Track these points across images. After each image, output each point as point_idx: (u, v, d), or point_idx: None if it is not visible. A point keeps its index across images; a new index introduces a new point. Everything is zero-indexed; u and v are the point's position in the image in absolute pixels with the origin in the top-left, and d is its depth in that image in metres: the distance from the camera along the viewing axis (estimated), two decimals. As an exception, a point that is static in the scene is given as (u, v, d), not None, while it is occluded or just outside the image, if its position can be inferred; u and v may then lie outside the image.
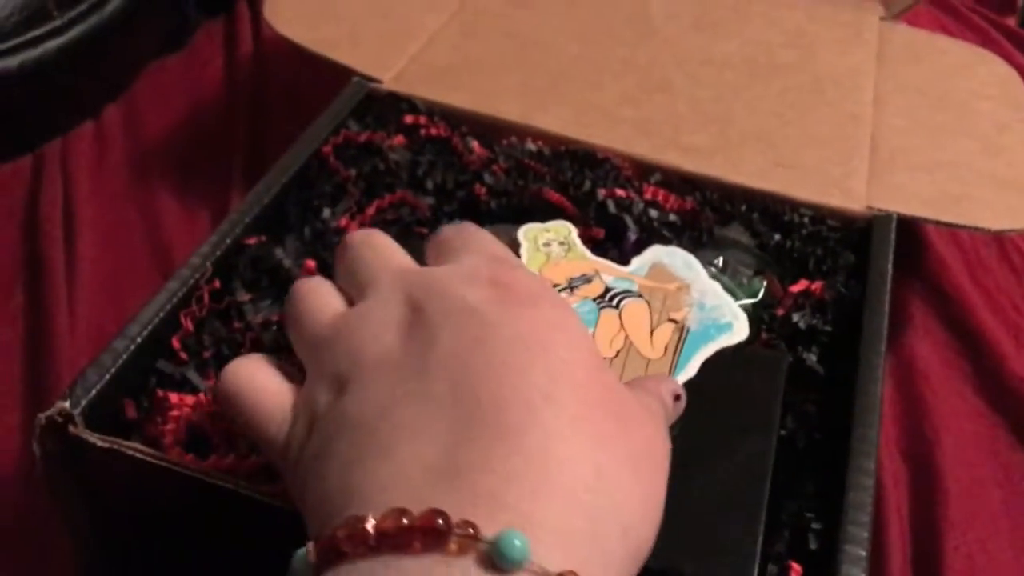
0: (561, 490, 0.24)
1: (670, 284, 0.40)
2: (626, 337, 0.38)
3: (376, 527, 0.22)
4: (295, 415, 0.29)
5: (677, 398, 0.32)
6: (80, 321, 0.51)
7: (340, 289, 0.32)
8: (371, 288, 0.31)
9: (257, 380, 0.30)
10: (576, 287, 0.40)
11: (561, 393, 0.26)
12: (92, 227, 0.56)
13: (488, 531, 0.22)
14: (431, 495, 0.23)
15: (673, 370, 0.37)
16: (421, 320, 0.28)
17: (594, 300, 0.40)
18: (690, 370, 0.37)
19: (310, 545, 0.24)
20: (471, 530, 0.22)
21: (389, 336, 0.28)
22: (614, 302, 0.39)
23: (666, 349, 0.38)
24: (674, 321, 0.39)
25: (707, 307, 0.40)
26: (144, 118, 0.66)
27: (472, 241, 0.33)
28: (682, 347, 0.38)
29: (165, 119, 0.66)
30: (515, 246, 0.41)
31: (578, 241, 0.42)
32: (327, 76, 0.55)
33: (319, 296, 0.32)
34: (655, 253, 0.42)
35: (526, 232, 0.43)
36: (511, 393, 0.25)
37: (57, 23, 0.60)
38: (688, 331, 0.39)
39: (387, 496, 0.23)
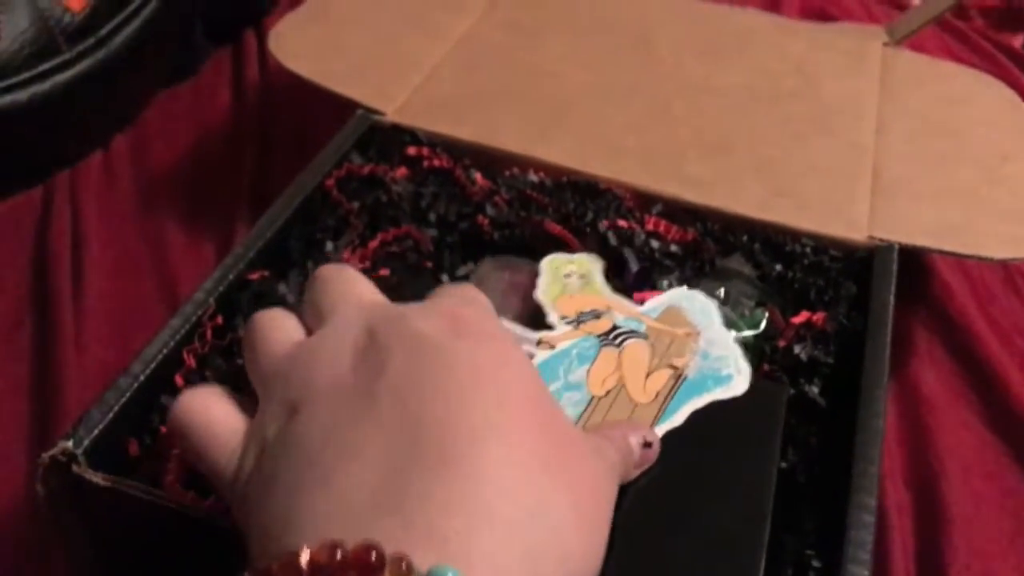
0: (500, 521, 0.24)
1: (679, 329, 0.40)
2: (620, 378, 0.38)
3: (309, 561, 0.22)
4: (245, 444, 0.29)
5: (647, 445, 0.33)
6: (88, 356, 0.51)
7: (302, 322, 0.33)
8: (331, 317, 0.31)
9: (211, 411, 0.31)
10: (583, 321, 0.40)
11: (505, 423, 0.26)
12: (100, 260, 0.57)
13: (422, 565, 0.22)
14: (369, 525, 0.23)
15: (658, 418, 0.37)
16: (374, 346, 0.28)
17: (598, 336, 0.40)
18: (676, 419, 0.37)
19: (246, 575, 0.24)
20: (404, 565, 0.22)
21: (343, 362, 0.28)
22: (616, 341, 0.39)
23: (657, 395, 0.37)
24: (673, 367, 0.39)
25: (711, 356, 0.39)
26: (152, 148, 0.67)
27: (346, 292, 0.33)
28: (674, 395, 0.37)
29: (172, 149, 0.67)
30: (534, 276, 0.43)
31: (599, 277, 0.43)
32: (332, 106, 0.55)
33: (277, 326, 0.32)
34: (674, 296, 0.42)
35: (551, 261, 0.43)
36: (456, 420, 0.25)
37: (66, 56, 0.61)
38: (684, 379, 0.38)
39: (325, 526, 0.24)
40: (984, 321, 0.57)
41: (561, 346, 0.39)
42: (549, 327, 0.40)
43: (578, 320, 0.40)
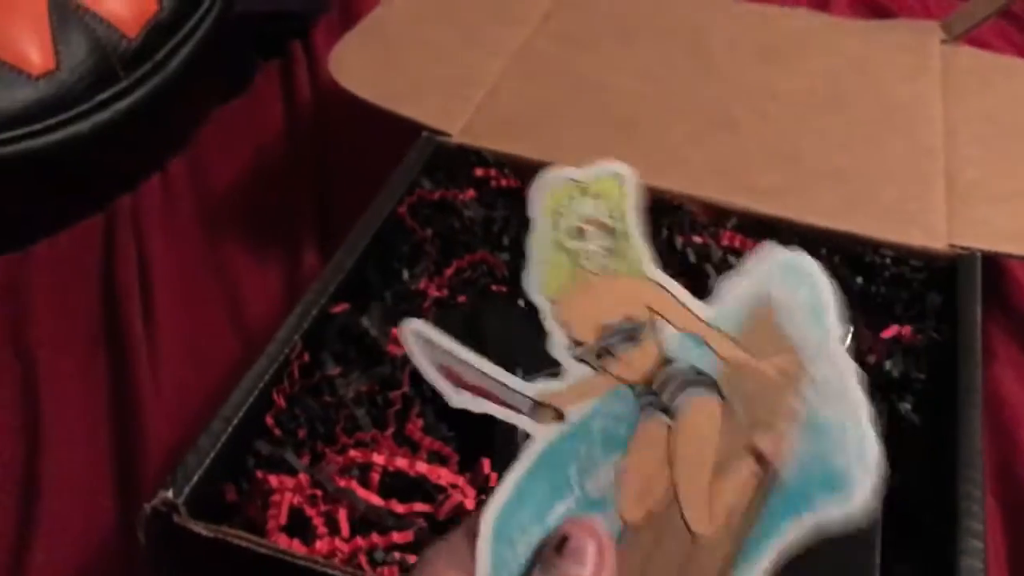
0: None
1: (777, 357, 0.23)
2: (670, 484, 0.22)
3: None
4: None
5: None
6: (164, 388, 0.51)
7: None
8: None
9: None
10: (611, 350, 0.23)
11: None
12: (167, 288, 0.57)
13: None
14: None
15: (734, 562, 0.22)
16: None
17: (635, 389, 0.23)
18: (761, 564, 0.22)
19: None
20: None
21: None
22: (667, 394, 0.23)
23: (729, 519, 0.22)
24: (758, 455, 0.23)
25: (820, 426, 0.22)
26: (210, 170, 0.67)
27: None
28: (761, 517, 0.22)
29: (230, 169, 0.67)
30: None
31: (633, 219, 0.24)
32: (389, 121, 0.55)
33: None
34: (764, 276, 0.24)
35: (547, 193, 0.25)
36: None
37: (124, 84, 0.61)
38: (777, 482, 0.22)
39: None
40: (1061, 323, 0.56)
41: (574, 414, 0.23)
42: (549, 365, 0.24)
43: (605, 347, 0.24)
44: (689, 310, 0.24)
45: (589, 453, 0.23)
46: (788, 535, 0.22)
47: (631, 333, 0.23)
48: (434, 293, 0.45)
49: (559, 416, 0.23)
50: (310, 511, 0.36)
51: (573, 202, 0.24)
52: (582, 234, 0.24)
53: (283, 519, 0.35)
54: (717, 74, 0.60)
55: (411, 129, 0.54)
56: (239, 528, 0.34)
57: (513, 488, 0.23)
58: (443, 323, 0.44)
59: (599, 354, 0.23)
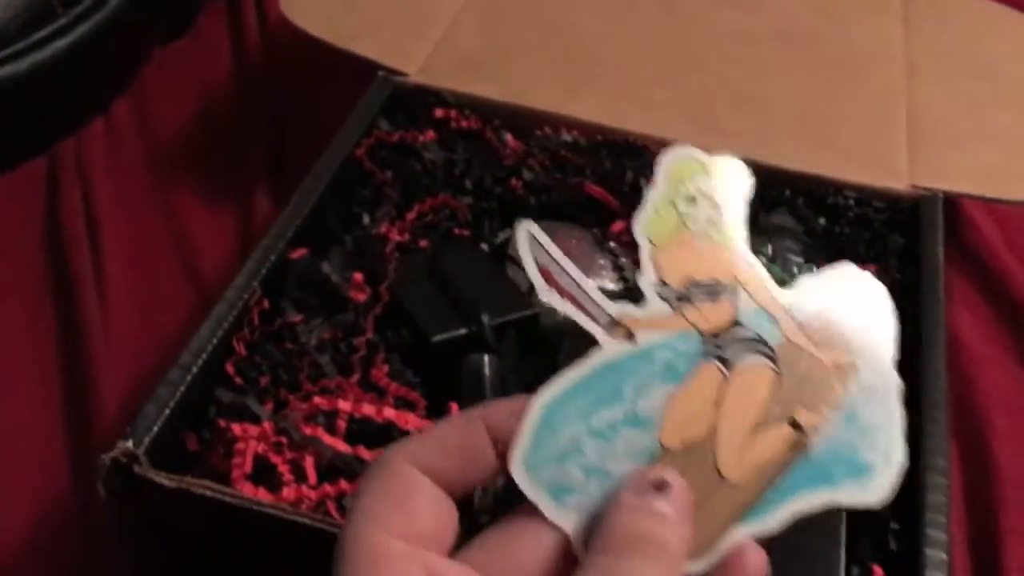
0: None
1: (834, 353, 0.25)
2: (713, 425, 0.24)
3: None
4: None
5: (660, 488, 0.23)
6: (115, 337, 0.50)
7: None
8: None
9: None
10: (693, 299, 0.26)
11: None
12: (116, 235, 0.55)
13: None
14: None
15: (747, 511, 0.24)
16: None
17: (703, 336, 0.25)
18: (770, 523, 0.24)
19: None
20: None
21: None
22: (730, 351, 0.25)
23: (758, 472, 0.24)
24: (797, 427, 0.25)
25: (859, 421, 0.24)
26: (155, 111, 0.64)
27: None
28: (783, 479, 0.24)
29: (177, 111, 0.65)
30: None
31: (739, 205, 0.27)
32: (340, 59, 0.53)
33: None
34: (841, 278, 0.26)
35: (675, 160, 0.27)
36: None
37: (63, 21, 0.58)
38: (806, 454, 0.24)
39: None
40: (1016, 262, 0.57)
41: (646, 339, 0.25)
42: (634, 294, 0.26)
43: (686, 294, 0.26)
44: (769, 291, 0.26)
45: (648, 376, 0.25)
46: (803, 502, 0.24)
47: (713, 290, 0.26)
48: (396, 237, 0.44)
49: (630, 337, 0.25)
50: (275, 459, 0.35)
51: (694, 176, 0.27)
52: (694, 202, 0.26)
53: (248, 467, 0.35)
54: (681, 15, 0.59)
55: (367, 69, 0.52)
56: (202, 478, 0.33)
57: (570, 383, 0.25)
58: (406, 268, 0.44)
59: (680, 298, 0.25)
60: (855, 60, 0.57)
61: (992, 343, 0.53)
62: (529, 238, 0.26)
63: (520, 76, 0.53)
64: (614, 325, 0.25)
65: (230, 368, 0.38)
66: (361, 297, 0.41)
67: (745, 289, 0.26)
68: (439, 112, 0.51)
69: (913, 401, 0.38)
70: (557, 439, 0.24)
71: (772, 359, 0.25)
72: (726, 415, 0.25)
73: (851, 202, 0.48)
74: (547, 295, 0.25)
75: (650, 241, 0.26)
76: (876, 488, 0.24)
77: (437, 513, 0.23)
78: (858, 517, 0.35)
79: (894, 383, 0.25)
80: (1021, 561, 0.43)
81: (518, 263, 0.45)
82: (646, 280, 0.26)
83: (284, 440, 0.36)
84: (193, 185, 0.59)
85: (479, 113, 0.51)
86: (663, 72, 0.54)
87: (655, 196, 0.26)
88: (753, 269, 0.26)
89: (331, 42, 0.53)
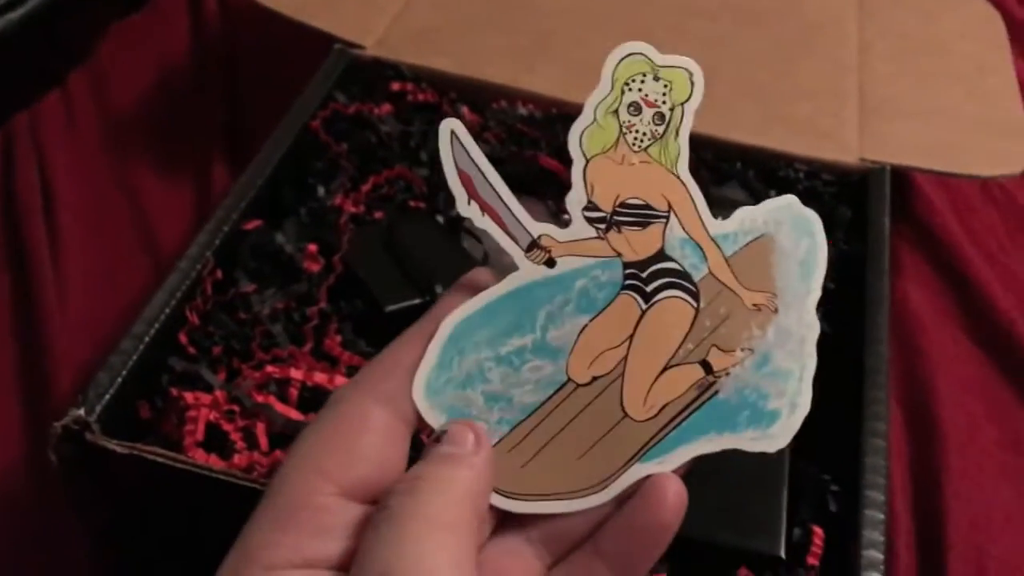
0: None
1: (756, 291, 0.24)
2: (625, 358, 0.24)
3: None
4: None
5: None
6: (71, 308, 0.50)
7: None
8: None
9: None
10: (624, 222, 0.24)
11: None
12: (72, 207, 0.55)
13: None
14: None
15: (646, 451, 0.24)
16: None
17: (626, 268, 0.24)
18: (668, 463, 0.24)
19: None
20: None
21: None
22: (652, 284, 0.24)
23: (661, 413, 0.24)
24: (707, 367, 0.24)
25: (770, 364, 0.24)
26: (112, 84, 0.64)
27: None
28: (686, 419, 0.24)
29: (134, 84, 0.64)
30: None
31: (687, 119, 0.24)
32: (298, 32, 0.53)
33: None
34: (780, 210, 0.25)
35: (622, 64, 0.25)
36: None
37: (16, -8, 0.58)
38: (715, 397, 0.24)
39: None
40: (965, 235, 0.58)
41: (565, 265, 0.24)
42: (561, 214, 0.27)
43: (615, 218, 0.24)
44: (701, 220, 0.24)
45: (563, 304, 0.24)
46: (701, 446, 0.24)
47: (643, 217, 0.24)
48: (351, 209, 0.44)
49: (551, 263, 0.24)
50: (227, 427, 0.35)
51: (644, 80, 0.24)
52: (639, 111, 0.24)
53: (200, 435, 0.35)
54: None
55: (323, 42, 0.52)
56: (155, 446, 0.34)
57: (482, 306, 0.24)
58: (360, 238, 0.44)
59: (607, 221, 0.24)
60: (808, 37, 0.57)
61: (941, 315, 0.54)
62: (451, 138, 0.24)
63: (476, 50, 0.53)
64: (534, 248, 0.24)
65: (183, 337, 0.38)
66: (315, 268, 0.41)
67: (677, 216, 0.24)
68: (395, 85, 0.51)
69: (856, 368, 0.39)
70: (463, 363, 0.24)
71: (694, 295, 0.24)
72: (636, 351, 0.24)
73: (801, 175, 0.49)
74: (467, 209, 0.24)
75: (584, 155, 0.24)
76: (777, 436, 0.24)
77: (387, 452, 0.22)
78: (798, 480, 0.36)
79: (812, 328, 0.24)
80: (962, 523, 0.45)
81: (473, 235, 0.46)
82: (574, 200, 0.24)
83: (236, 408, 0.36)
84: (150, 157, 0.58)
85: (435, 86, 0.51)
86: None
87: (596, 102, 0.24)
88: (689, 194, 0.24)
89: (288, 15, 0.53)
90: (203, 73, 0.64)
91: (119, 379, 0.35)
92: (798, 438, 0.37)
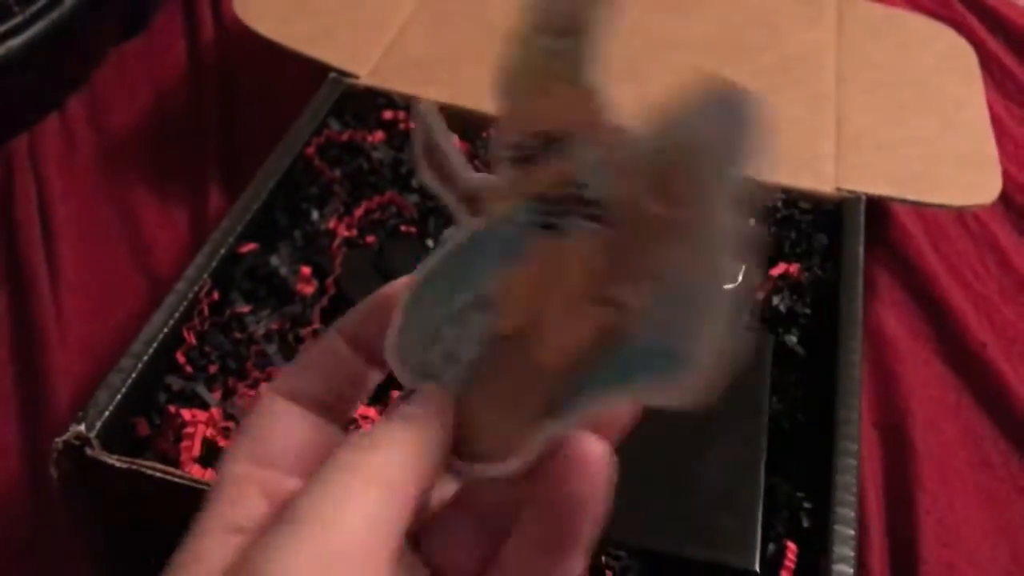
0: None
1: (673, 203, 0.20)
2: (538, 308, 0.21)
3: None
4: None
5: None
6: (69, 330, 0.51)
7: None
8: None
9: None
10: (534, 158, 0.22)
11: None
12: (70, 229, 0.56)
13: None
14: None
15: (559, 407, 0.21)
16: None
17: (541, 205, 0.22)
18: (572, 418, 0.21)
19: None
20: None
21: None
22: (562, 221, 0.21)
23: (569, 360, 0.21)
24: (613, 304, 0.21)
25: (682, 294, 0.19)
26: (109, 108, 0.65)
27: None
28: (595, 370, 0.21)
29: (131, 109, 0.66)
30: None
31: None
32: (296, 62, 0.55)
33: None
34: (711, 106, 0.21)
35: None
36: None
37: (18, 20, 0.59)
38: (622, 343, 0.20)
39: None
40: (939, 262, 0.60)
41: (495, 212, 0.22)
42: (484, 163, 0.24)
43: (534, 154, 0.22)
44: (620, 139, 0.21)
45: (493, 255, 0.22)
46: (606, 400, 0.21)
47: (563, 147, 0.22)
48: (343, 233, 0.46)
49: (477, 214, 0.23)
50: (223, 443, 0.37)
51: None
52: (565, 35, 0.22)
53: (196, 451, 0.36)
54: (623, 22, 0.62)
55: (318, 71, 0.54)
56: (152, 461, 0.35)
57: (434, 267, 0.23)
58: (352, 262, 0.45)
59: (528, 159, 0.22)
60: (789, 69, 0.59)
61: (916, 339, 0.56)
62: (423, 118, 0.24)
63: (467, 80, 0.55)
64: (467, 199, 0.23)
65: (180, 356, 0.39)
66: (308, 290, 0.43)
67: (596, 140, 0.21)
68: (388, 114, 0.52)
69: (829, 389, 0.41)
70: (424, 325, 0.23)
71: (609, 223, 0.21)
72: (549, 295, 0.21)
73: (779, 203, 0.50)
74: (426, 175, 0.23)
75: (509, 91, 0.22)
76: (687, 387, 0.19)
77: (296, 435, 0.23)
78: (773, 496, 0.38)
79: (733, 266, 0.19)
80: (934, 541, 0.46)
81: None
82: (498, 143, 0.22)
83: (232, 425, 0.37)
84: (146, 181, 0.60)
85: (427, 115, 0.52)
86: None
87: (521, 30, 0.23)
88: (607, 114, 0.21)
89: (284, 44, 0.55)
90: (199, 99, 0.66)
91: (118, 396, 0.36)
92: (773, 455, 0.39)
